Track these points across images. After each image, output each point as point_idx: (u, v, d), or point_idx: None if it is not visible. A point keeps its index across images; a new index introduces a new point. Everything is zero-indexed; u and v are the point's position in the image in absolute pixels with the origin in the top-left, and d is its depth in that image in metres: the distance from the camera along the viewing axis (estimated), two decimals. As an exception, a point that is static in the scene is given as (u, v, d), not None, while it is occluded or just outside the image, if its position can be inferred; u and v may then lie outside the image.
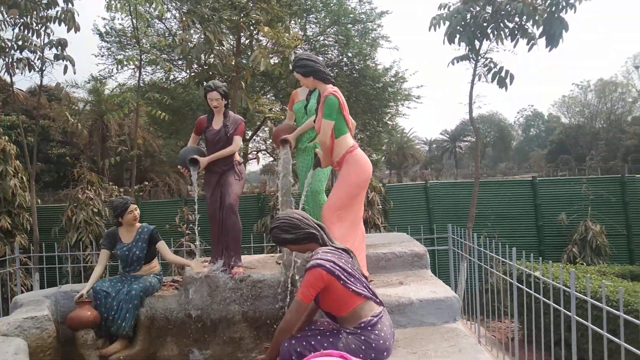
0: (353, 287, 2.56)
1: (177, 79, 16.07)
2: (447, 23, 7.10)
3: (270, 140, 16.41)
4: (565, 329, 3.64)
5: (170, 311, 4.44)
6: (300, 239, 2.71)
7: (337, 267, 2.54)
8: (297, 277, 4.10)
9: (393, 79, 15.96)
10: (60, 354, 4.20)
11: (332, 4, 15.08)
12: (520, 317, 5.88)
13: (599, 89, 46.42)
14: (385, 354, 2.55)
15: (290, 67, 4.42)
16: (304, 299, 2.51)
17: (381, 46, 16.59)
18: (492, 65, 7.08)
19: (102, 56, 16.23)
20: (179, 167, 4.90)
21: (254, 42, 6.91)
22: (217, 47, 6.12)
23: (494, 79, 7.04)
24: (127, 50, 16.22)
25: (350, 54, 16.16)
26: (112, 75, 16.22)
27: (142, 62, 7.29)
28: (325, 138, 3.55)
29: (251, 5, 5.71)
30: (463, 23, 6.65)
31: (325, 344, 2.52)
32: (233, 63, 6.44)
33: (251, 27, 6.47)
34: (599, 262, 7.90)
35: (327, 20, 14.86)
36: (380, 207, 7.94)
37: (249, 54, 6.81)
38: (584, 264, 7.68)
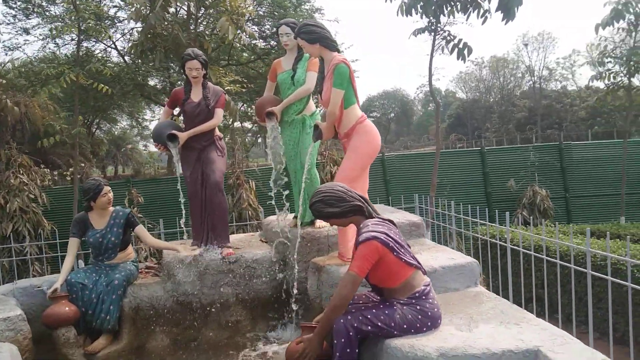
0: (405, 258, 2.47)
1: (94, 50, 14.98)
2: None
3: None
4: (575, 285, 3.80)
5: (157, 299, 4.13)
6: (346, 212, 2.56)
7: (390, 239, 2.43)
8: (294, 256, 3.94)
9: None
10: (33, 355, 3.76)
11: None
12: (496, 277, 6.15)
13: (493, 65, 49.42)
14: (439, 321, 2.50)
15: (283, 33, 4.15)
16: (359, 272, 2.38)
17: (320, 18, 16.35)
18: (450, 37, 7.18)
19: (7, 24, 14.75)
20: (154, 144, 4.50)
21: (201, 11, 6.41)
22: (171, 15, 5.64)
23: (453, 51, 7.15)
24: (31, 18, 14.81)
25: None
26: (20, 47, 14.76)
27: (80, 31, 6.57)
28: (335, 108, 3.37)
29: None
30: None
31: (382, 317, 2.42)
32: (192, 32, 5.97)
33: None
34: (546, 223, 8.42)
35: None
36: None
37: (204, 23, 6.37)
38: (534, 226, 8.16)
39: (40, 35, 15.88)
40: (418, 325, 2.42)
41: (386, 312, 2.43)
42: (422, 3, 7.05)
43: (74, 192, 7.36)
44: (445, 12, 7.13)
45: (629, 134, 9.43)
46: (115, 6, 14.57)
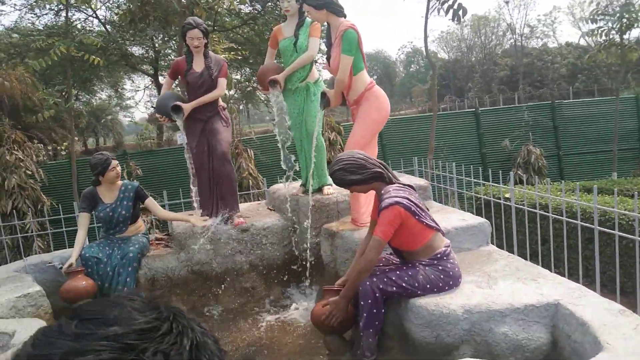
0: (426, 221, 2.54)
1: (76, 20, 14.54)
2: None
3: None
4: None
5: (172, 270, 4.20)
6: (368, 179, 2.61)
7: (412, 203, 2.49)
8: (308, 222, 4.01)
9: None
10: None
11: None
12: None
13: (474, 24, 48.99)
14: (460, 280, 2.60)
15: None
16: (384, 237, 2.45)
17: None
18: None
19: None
20: (157, 116, 4.47)
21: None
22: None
23: (448, 12, 7.08)
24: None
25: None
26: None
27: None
28: (344, 75, 3.37)
29: None
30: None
31: (406, 278, 2.51)
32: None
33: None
34: (540, 181, 8.60)
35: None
36: (340, 146, 7.93)
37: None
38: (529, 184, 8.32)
39: (15, 5, 15.35)
40: (440, 284, 2.51)
41: (409, 273, 2.52)
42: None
43: (72, 167, 7.29)
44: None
45: (618, 91, 9.51)
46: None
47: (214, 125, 4.34)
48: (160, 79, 18.84)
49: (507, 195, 5.68)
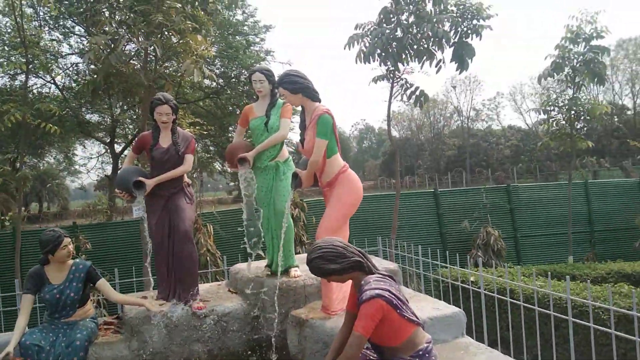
0: (407, 315, 2.41)
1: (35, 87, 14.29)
2: (361, 43, 7.33)
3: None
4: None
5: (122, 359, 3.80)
6: (347, 268, 2.48)
7: (394, 296, 2.37)
8: (275, 308, 3.79)
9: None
10: None
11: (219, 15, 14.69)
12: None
13: (424, 105, 52.08)
14: (441, 380, 2.44)
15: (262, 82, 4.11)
16: (365, 332, 2.29)
17: (272, 61, 16.54)
18: (407, 85, 7.44)
19: None
20: (117, 191, 4.26)
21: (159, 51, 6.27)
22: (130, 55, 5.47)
23: (410, 98, 7.39)
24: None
25: (234, 68, 15.87)
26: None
27: (30, 67, 6.22)
28: (318, 157, 3.35)
29: (178, 9, 5.20)
30: (386, 44, 6.88)
31: (386, 378, 2.33)
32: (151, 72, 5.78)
33: (166, 34, 5.91)
34: (498, 263, 8.70)
35: (216, 32, 14.38)
36: (303, 223, 7.83)
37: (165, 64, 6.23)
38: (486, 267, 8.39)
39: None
40: (422, 384, 2.35)
41: (390, 372, 2.35)
42: (379, 51, 7.29)
43: (16, 241, 6.79)
44: (403, 60, 7.41)
45: (571, 176, 10.06)
46: (53, 39, 14.11)
47: (177, 202, 4.17)
48: (116, 146, 18.57)
49: (472, 279, 5.66)
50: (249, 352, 4.02)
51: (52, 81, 14.65)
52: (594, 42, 9.08)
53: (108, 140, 17.85)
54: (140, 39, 5.09)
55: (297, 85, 3.40)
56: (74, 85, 14.73)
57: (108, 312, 6.78)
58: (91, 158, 21.65)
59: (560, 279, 6.11)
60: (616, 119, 39.00)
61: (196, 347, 3.92)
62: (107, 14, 5.92)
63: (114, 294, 4.02)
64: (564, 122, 9.38)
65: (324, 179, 3.47)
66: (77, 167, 29.34)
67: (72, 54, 14.28)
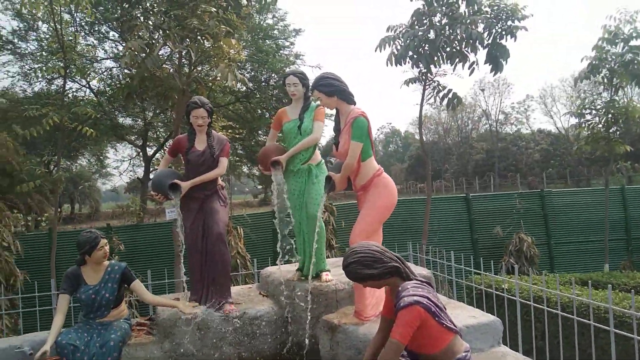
0: (446, 323, 2.36)
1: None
2: (393, 45, 7.27)
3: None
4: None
5: (155, 361, 3.83)
6: (384, 274, 2.44)
7: (432, 303, 2.32)
8: (308, 314, 3.77)
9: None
10: None
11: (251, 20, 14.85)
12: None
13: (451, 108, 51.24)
14: (481, 390, 2.37)
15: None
16: (402, 339, 2.24)
17: (301, 64, 16.63)
18: (440, 87, 7.34)
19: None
20: (152, 193, 4.31)
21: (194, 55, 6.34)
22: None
23: (443, 101, 7.29)
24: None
25: (265, 72, 16.02)
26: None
27: (68, 72, 6.37)
28: (353, 160, 3.32)
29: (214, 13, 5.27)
30: (419, 47, 6.81)
31: (425, 388, 2.28)
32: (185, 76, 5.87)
33: (200, 38, 5.99)
34: (531, 270, 8.49)
35: (247, 36, 14.55)
36: (332, 227, 7.79)
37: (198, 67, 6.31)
38: (520, 274, 8.20)
39: (8, 72, 15.57)
40: (462, 395, 2.29)
41: (428, 381, 2.29)
42: (411, 53, 7.21)
43: (52, 241, 6.96)
44: (435, 62, 7.32)
45: (608, 181, 9.75)
46: (88, 44, 14.52)
47: (211, 204, 4.20)
48: (148, 150, 18.93)
49: (505, 287, 5.52)
50: (279, 357, 4.00)
51: (87, 85, 15.07)
52: (633, 43, 8.79)
53: (140, 144, 18.23)
54: (176, 43, 5.16)
55: (333, 88, 3.38)
56: (107, 89, 15.11)
57: (139, 313, 6.88)
58: (123, 161, 22.12)
59: (597, 288, 5.92)
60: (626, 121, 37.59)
61: (227, 350, 3.93)
62: (142, 18, 6.03)
63: (147, 295, 4.06)
64: (600, 125, 9.09)
65: (359, 182, 3.44)
66: (108, 169, 30.07)
67: (107, 58, 14.64)
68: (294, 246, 4.34)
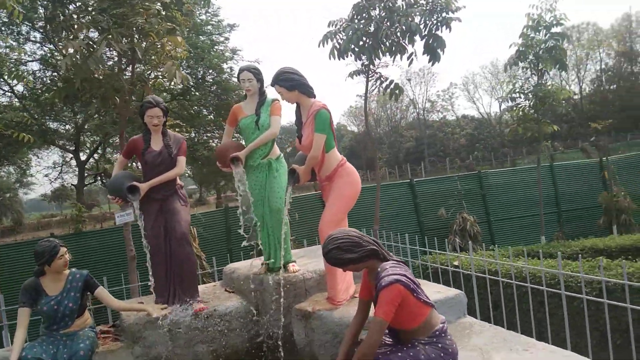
0: (423, 298, 2.52)
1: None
2: (335, 39, 7.42)
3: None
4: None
5: (126, 367, 3.77)
6: (364, 257, 2.56)
7: (410, 280, 2.47)
8: (281, 302, 3.85)
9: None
10: None
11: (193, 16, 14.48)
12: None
13: (379, 98, 52.86)
14: (457, 356, 2.56)
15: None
16: (386, 317, 2.38)
17: (239, 59, 16.45)
18: (382, 79, 7.57)
19: None
20: (109, 196, 4.21)
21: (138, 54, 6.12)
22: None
23: (386, 91, 7.53)
24: None
25: (200, 69, 15.71)
26: None
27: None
28: (318, 152, 3.42)
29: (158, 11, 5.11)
30: (360, 39, 6.99)
31: (408, 359, 2.43)
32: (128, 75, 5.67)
33: (140, 37, 5.81)
34: (476, 247, 8.99)
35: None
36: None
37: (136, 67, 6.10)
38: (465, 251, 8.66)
39: None
40: (441, 363, 2.46)
41: (410, 353, 2.45)
42: (353, 46, 7.39)
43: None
44: (377, 54, 7.54)
45: (539, 160, 10.48)
46: (7, 46, 13.62)
47: (172, 204, 4.16)
48: (81, 154, 18.06)
49: (455, 263, 5.86)
50: (253, 350, 4.05)
51: (10, 90, 14.14)
52: (554, 30, 9.48)
53: (72, 149, 17.36)
54: (119, 43, 4.99)
55: (294, 82, 3.45)
56: (34, 93, 14.26)
57: (95, 320, 6.64)
58: (54, 168, 20.94)
59: (537, 258, 6.40)
60: (564, 104, 40.58)
61: (200, 349, 3.93)
62: (75, 18, 5.78)
63: (113, 301, 3.97)
64: (530, 108, 9.75)
65: (323, 173, 3.54)
66: (30, 178, 28.28)
67: (32, 60, 13.79)
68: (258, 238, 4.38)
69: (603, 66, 43.67)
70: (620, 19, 43.34)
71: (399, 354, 2.45)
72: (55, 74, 12.26)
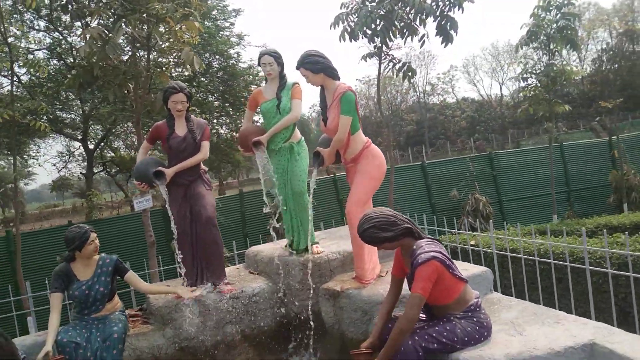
0: (458, 274, 2.58)
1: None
2: (346, 22, 7.40)
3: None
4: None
5: (159, 348, 3.88)
6: (399, 235, 2.61)
7: (445, 257, 2.53)
8: (310, 283, 3.92)
9: (258, 78, 15.86)
10: None
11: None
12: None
13: (382, 82, 52.36)
14: (491, 330, 2.63)
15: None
16: (424, 293, 2.44)
17: (247, 45, 16.37)
18: (395, 61, 7.56)
19: None
20: (135, 182, 4.27)
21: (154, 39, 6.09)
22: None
23: (399, 73, 7.52)
24: None
25: (208, 55, 15.66)
26: None
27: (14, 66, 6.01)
28: (343, 135, 3.45)
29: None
30: (373, 22, 6.96)
31: (445, 333, 2.49)
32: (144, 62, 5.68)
33: (157, 22, 5.80)
34: (487, 227, 9.04)
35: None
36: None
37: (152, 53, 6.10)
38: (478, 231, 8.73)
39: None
40: (477, 336, 2.53)
41: (447, 327, 2.51)
42: (365, 29, 7.37)
43: (9, 243, 6.65)
44: (390, 36, 7.52)
45: (551, 140, 10.48)
46: (12, 37, 13.62)
47: (197, 189, 4.21)
48: (89, 144, 18.12)
49: (472, 242, 5.92)
50: (281, 329, 4.14)
51: (18, 80, 14.14)
52: (565, 10, 9.40)
53: (80, 137, 17.42)
54: (136, 29, 4.99)
55: (319, 65, 3.47)
56: (40, 83, 14.27)
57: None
58: (62, 156, 21.00)
59: (553, 236, 6.45)
60: (565, 83, 40.25)
61: (229, 329, 4.02)
62: (89, 4, 5.78)
63: (143, 284, 4.04)
64: (541, 88, 9.73)
65: (348, 155, 3.58)
66: (30, 169, 28.28)
67: (39, 49, 13.78)
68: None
69: (604, 46, 43.21)
70: (623, -3, 42.73)
71: (436, 327, 2.52)
72: (63, 62, 12.24)
